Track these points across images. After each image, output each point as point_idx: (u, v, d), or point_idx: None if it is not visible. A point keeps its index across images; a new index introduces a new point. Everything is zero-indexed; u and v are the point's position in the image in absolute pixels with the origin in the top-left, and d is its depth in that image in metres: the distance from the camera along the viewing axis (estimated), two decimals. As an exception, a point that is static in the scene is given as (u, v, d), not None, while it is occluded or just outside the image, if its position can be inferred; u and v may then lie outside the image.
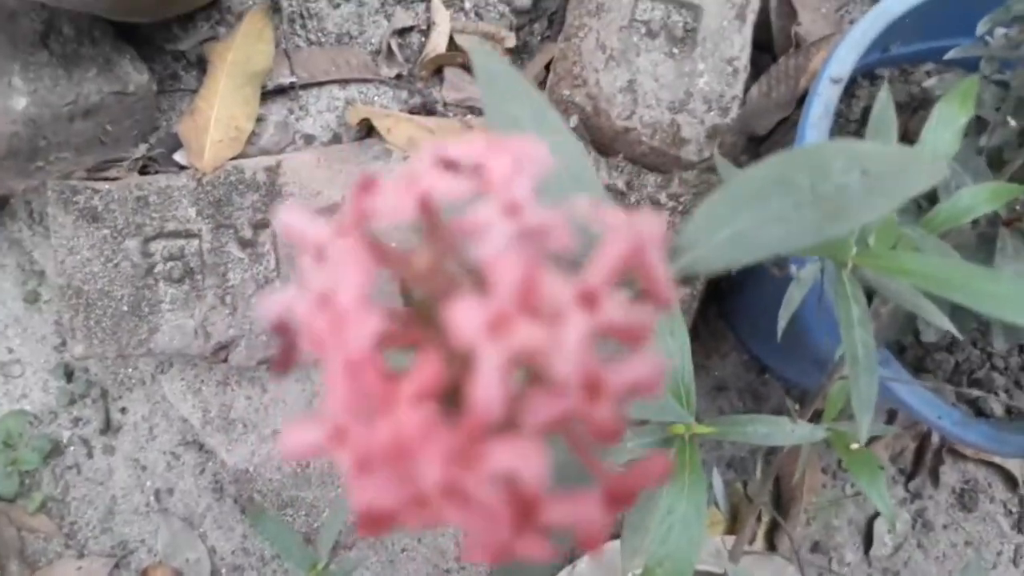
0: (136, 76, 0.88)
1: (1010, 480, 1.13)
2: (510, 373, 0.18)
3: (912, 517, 1.11)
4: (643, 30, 0.85)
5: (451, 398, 0.19)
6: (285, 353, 0.21)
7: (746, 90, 0.88)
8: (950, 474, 1.13)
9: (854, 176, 0.28)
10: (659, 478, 0.21)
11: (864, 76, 0.96)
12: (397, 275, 0.22)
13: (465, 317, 0.18)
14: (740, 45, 0.86)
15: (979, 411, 0.89)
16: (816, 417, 0.89)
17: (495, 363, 0.18)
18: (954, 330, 0.43)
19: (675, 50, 0.85)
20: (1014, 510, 1.13)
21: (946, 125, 0.47)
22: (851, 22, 1.10)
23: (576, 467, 0.21)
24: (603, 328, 0.19)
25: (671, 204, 0.83)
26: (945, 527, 1.12)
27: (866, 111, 0.95)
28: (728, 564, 0.67)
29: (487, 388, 0.18)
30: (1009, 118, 0.54)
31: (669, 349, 0.56)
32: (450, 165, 0.21)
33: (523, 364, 0.18)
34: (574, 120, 0.83)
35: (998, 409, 0.90)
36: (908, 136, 0.89)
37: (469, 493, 0.18)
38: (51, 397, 1.02)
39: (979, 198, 0.47)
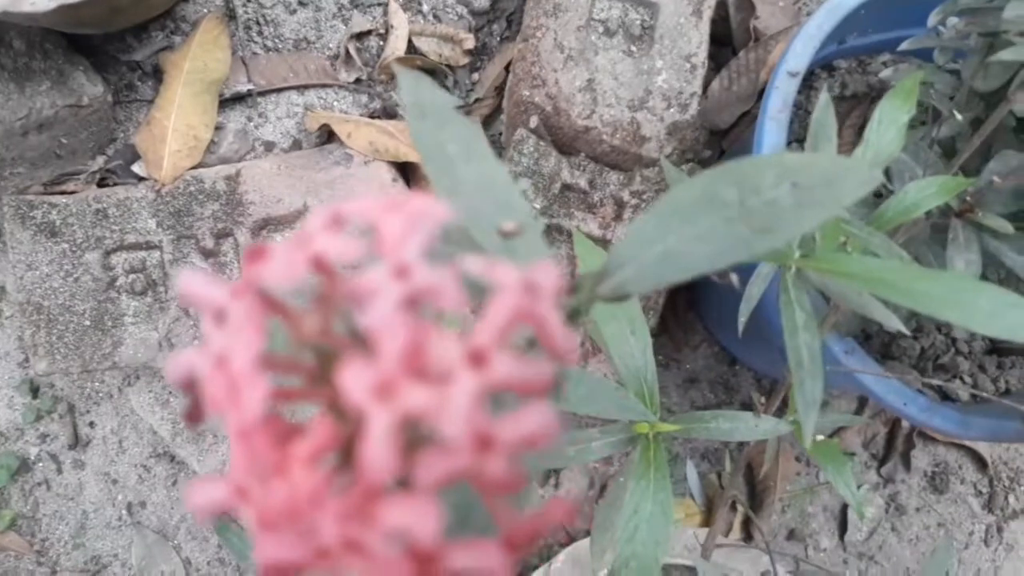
0: (90, 88, 0.87)
1: (980, 462, 1.14)
2: (399, 434, 0.18)
3: (885, 501, 1.12)
4: (601, 29, 0.85)
5: (349, 454, 0.20)
6: (194, 408, 0.21)
7: (706, 85, 0.88)
8: (921, 458, 1.15)
9: (784, 189, 0.28)
10: (560, 522, 0.21)
11: (823, 68, 0.96)
12: (295, 335, 0.22)
13: (353, 381, 0.19)
14: (698, 41, 0.86)
15: (945, 396, 0.90)
16: (782, 409, 0.90)
17: (383, 426, 0.18)
18: (903, 328, 0.43)
19: (633, 48, 0.85)
20: (984, 491, 1.14)
21: (889, 123, 0.48)
22: (808, 15, 1.11)
23: (483, 514, 0.21)
24: (494, 385, 0.19)
25: (634, 201, 0.83)
26: (918, 510, 1.13)
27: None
28: (699, 559, 0.68)
29: (376, 450, 0.18)
30: (955, 111, 0.55)
31: (631, 349, 0.56)
32: (344, 225, 0.22)
33: (413, 425, 0.19)
34: (534, 121, 0.83)
35: (964, 394, 0.90)
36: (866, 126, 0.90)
37: (368, 548, 0.19)
38: (17, 414, 1.01)
39: (926, 193, 0.47)
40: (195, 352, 0.21)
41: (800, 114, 0.92)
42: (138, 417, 0.98)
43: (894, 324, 0.42)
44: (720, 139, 1.02)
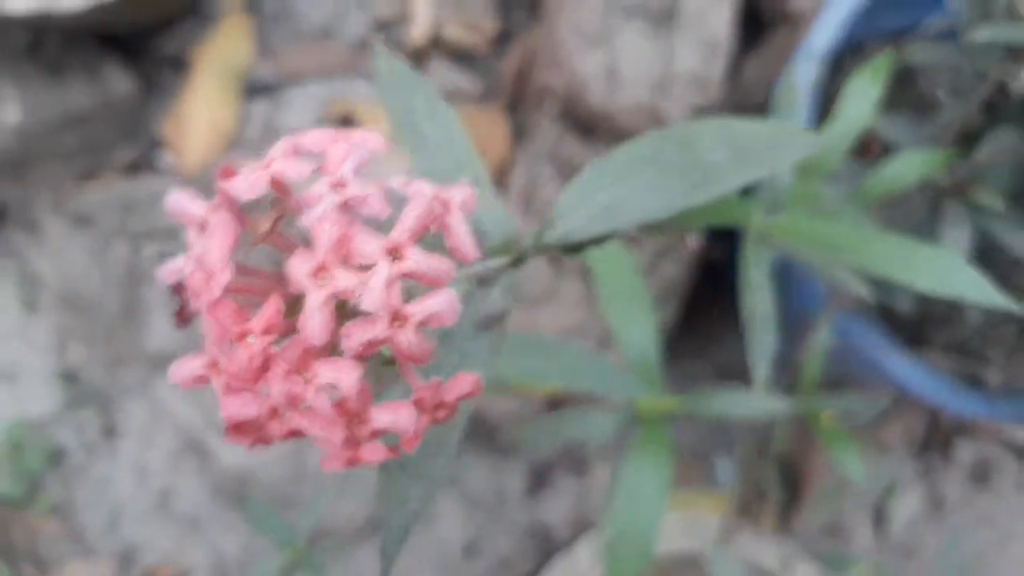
0: (121, 82, 0.89)
1: (1022, 454, 1.11)
2: (331, 308, 0.23)
3: (925, 493, 1.10)
4: (621, 12, 0.84)
5: (294, 330, 0.24)
6: (181, 309, 0.27)
7: (731, 68, 0.87)
8: (962, 449, 1.12)
9: (721, 152, 0.28)
10: (469, 393, 0.25)
11: (852, 50, 0.94)
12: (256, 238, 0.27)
13: (296, 267, 0.24)
14: (722, 23, 0.85)
15: (977, 381, 0.88)
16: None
17: (317, 300, 0.24)
18: (866, 295, 0.43)
19: (655, 31, 0.84)
20: (1028, 484, 1.11)
21: (861, 98, 0.47)
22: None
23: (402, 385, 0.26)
24: (406, 273, 0.24)
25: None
26: (958, 503, 1.10)
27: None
28: (714, 545, 0.67)
29: (312, 320, 0.23)
30: (947, 94, 0.53)
31: (635, 329, 0.55)
32: (301, 152, 0.27)
33: (342, 303, 0.24)
34: (554, 106, 0.83)
35: (995, 379, 0.88)
36: (898, 107, 0.88)
37: (308, 402, 0.24)
38: (54, 403, 1.03)
39: (909, 165, 0.46)
40: (181, 259, 0.27)
41: (828, 97, 0.91)
42: (168, 408, 1.00)
43: (860, 290, 0.42)
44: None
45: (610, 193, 0.27)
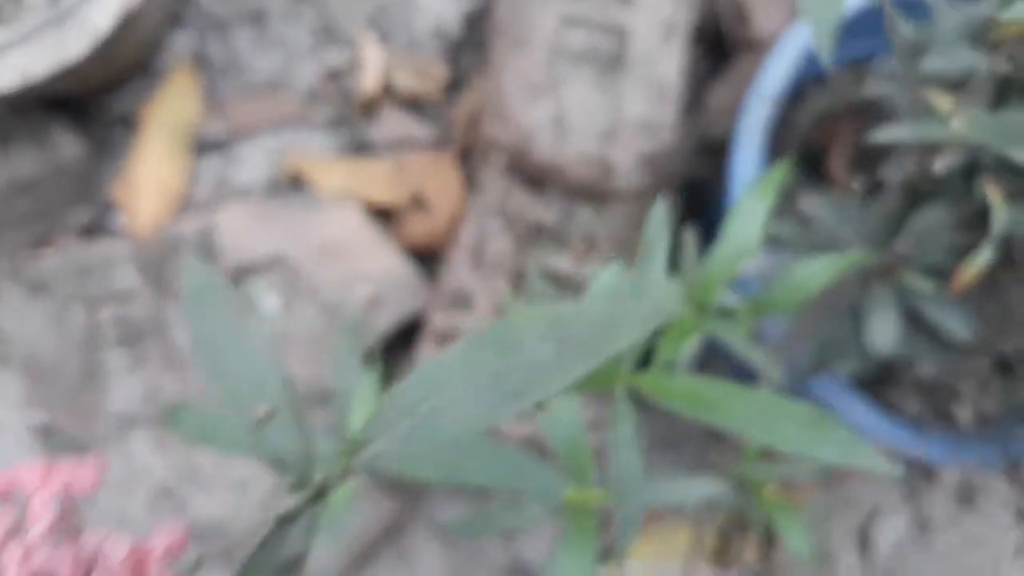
0: (70, 146, 0.88)
1: (1008, 473, 1.09)
2: None
3: (910, 516, 1.08)
4: (567, 59, 0.83)
5: None
6: None
7: (684, 110, 0.85)
8: (946, 470, 1.10)
9: (548, 347, 0.27)
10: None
11: (814, 79, 0.92)
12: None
13: None
14: (672, 66, 0.83)
15: (947, 418, 0.86)
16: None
17: None
18: (777, 378, 0.41)
19: (602, 77, 0.83)
20: (1014, 502, 1.09)
21: (749, 217, 0.45)
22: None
23: None
24: None
25: (606, 237, 0.81)
26: (945, 525, 1.08)
27: (819, 116, 0.91)
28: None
29: None
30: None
31: (558, 413, 0.54)
32: (9, 495, 0.26)
33: None
34: (501, 159, 0.81)
35: (966, 416, 0.86)
36: (859, 150, 0.86)
37: None
38: (31, 456, 1.04)
39: (811, 271, 0.45)
40: None
41: (783, 133, 0.89)
42: (141, 461, 1.00)
43: (773, 375, 0.40)
44: (717, 158, 0.99)
45: (419, 411, 0.26)
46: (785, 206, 0.82)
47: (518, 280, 0.80)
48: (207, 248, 0.86)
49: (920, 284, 0.48)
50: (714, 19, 1.03)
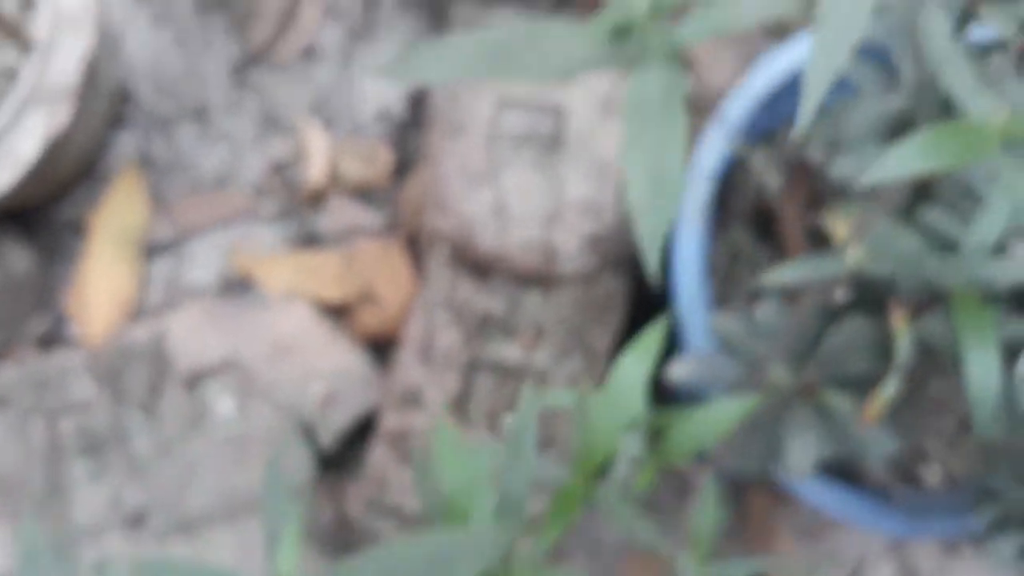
0: (20, 259, 0.88)
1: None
2: None
3: (896, 567, 1.06)
4: (506, 144, 0.82)
5: None
6: None
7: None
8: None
9: None
10: None
11: (763, 136, 0.91)
12: None
13: None
14: (612, 143, 0.82)
15: (915, 480, 0.85)
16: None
17: None
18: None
19: (542, 159, 0.82)
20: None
21: (630, 382, 0.44)
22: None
23: None
24: None
25: (555, 323, 0.80)
26: (933, 574, 1.06)
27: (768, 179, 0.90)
28: None
29: None
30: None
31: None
32: None
33: None
34: (444, 250, 0.81)
35: (935, 477, 0.85)
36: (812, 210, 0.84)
37: None
38: (9, 563, 1.04)
39: (720, 415, 0.43)
40: None
41: (736, 195, 0.87)
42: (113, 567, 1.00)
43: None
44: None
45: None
46: (732, 289, 0.81)
47: (469, 372, 0.80)
48: (160, 355, 0.86)
49: (839, 403, 0.47)
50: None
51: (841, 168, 0.49)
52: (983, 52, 0.52)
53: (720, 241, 0.85)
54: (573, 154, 0.82)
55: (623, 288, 0.82)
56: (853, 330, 0.47)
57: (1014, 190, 0.36)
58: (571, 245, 0.81)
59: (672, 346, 0.88)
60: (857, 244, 0.41)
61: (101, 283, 0.88)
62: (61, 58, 0.72)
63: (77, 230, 0.91)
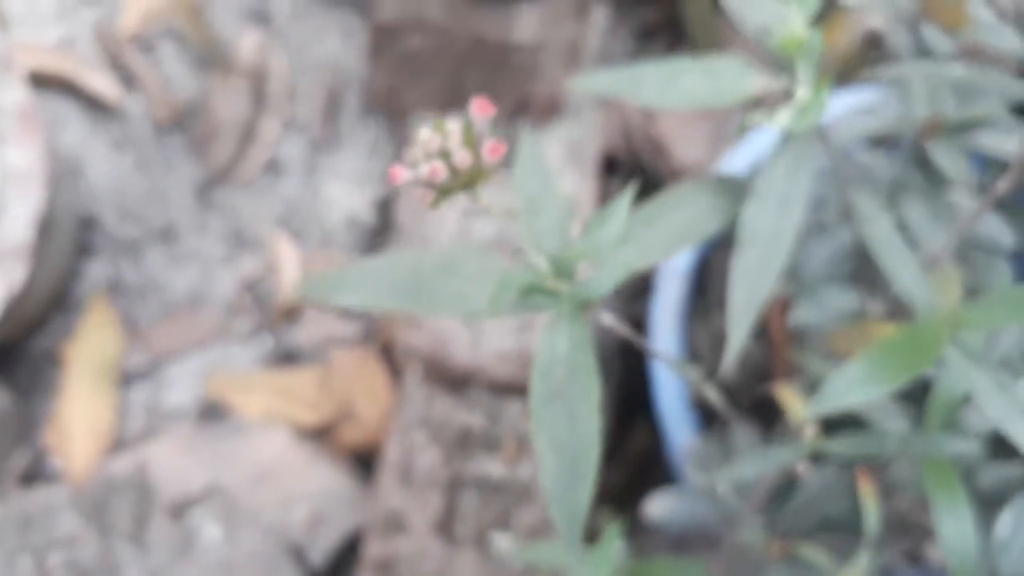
0: (-3, 395, 0.88)
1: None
2: None
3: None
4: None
5: None
6: None
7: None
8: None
9: None
10: None
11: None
12: None
13: None
14: (578, 243, 0.81)
15: (919, 560, 0.83)
16: None
17: None
18: None
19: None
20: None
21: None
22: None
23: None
24: None
25: (536, 432, 0.79)
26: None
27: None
28: None
29: None
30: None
31: None
32: None
33: None
34: (418, 366, 0.80)
35: (937, 553, 0.84)
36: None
37: None
38: None
39: None
40: None
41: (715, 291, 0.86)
42: None
43: None
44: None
45: None
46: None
47: (452, 491, 0.79)
48: (143, 485, 0.85)
49: (816, 558, 0.46)
50: (635, 156, 1.01)
51: (799, 315, 0.49)
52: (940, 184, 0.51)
53: (703, 329, 0.84)
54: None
55: (603, 392, 0.81)
56: (825, 480, 0.46)
57: (965, 382, 0.35)
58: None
59: (660, 453, 0.87)
60: (813, 425, 0.41)
61: (79, 417, 0.87)
62: (11, 218, 0.71)
63: (53, 361, 0.91)
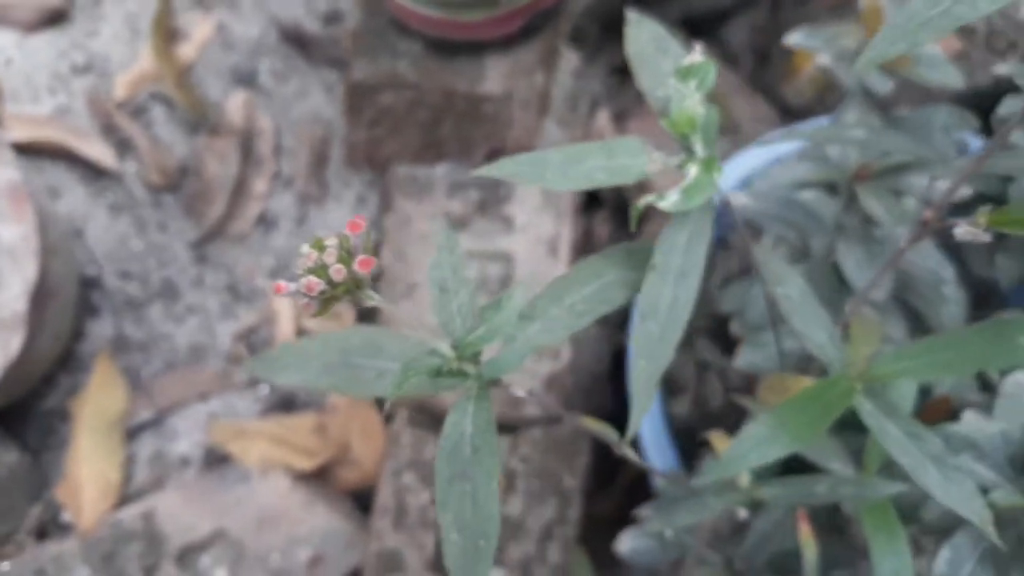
0: (8, 453, 0.91)
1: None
2: None
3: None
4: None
5: None
6: None
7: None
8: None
9: None
10: None
11: (720, 245, 0.92)
12: None
13: None
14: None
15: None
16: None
17: None
18: None
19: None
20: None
21: None
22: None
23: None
24: None
25: (523, 468, 0.82)
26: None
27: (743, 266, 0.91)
28: None
29: None
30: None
31: None
32: None
33: None
34: (404, 413, 0.83)
35: None
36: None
37: None
38: None
39: None
40: None
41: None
42: None
43: None
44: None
45: None
46: (705, 408, 0.82)
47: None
48: (151, 533, 0.88)
49: (773, 592, 0.48)
50: (618, 190, 1.04)
51: (744, 358, 0.51)
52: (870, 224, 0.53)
53: (688, 358, 0.86)
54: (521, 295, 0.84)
55: (586, 437, 0.84)
56: (773, 519, 0.49)
57: (879, 432, 0.37)
58: (530, 387, 0.82)
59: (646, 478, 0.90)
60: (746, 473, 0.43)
61: (88, 470, 0.90)
62: (5, 291, 0.75)
63: (63, 417, 0.94)
